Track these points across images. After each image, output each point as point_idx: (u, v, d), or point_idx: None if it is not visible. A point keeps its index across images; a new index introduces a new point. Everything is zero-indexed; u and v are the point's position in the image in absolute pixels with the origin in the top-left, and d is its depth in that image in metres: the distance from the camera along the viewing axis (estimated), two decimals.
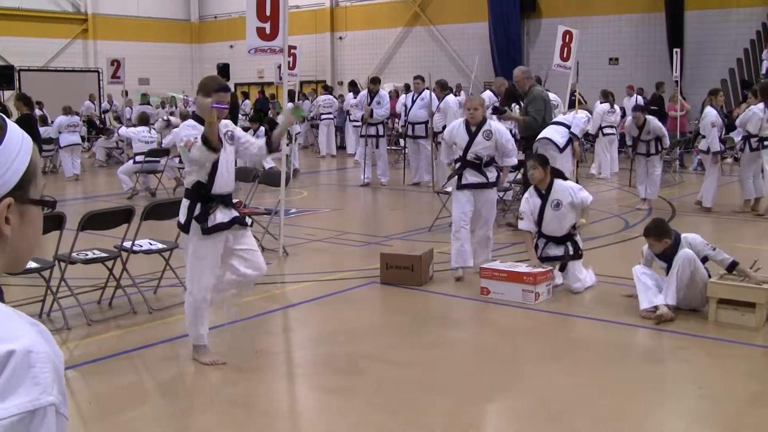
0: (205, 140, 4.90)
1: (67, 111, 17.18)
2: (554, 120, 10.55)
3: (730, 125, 14.34)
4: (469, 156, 7.54)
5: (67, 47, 30.99)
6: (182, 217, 5.25)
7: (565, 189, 7.20)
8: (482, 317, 6.62)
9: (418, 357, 5.57)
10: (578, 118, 10.89)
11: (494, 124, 7.90)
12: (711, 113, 11.61)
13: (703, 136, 11.84)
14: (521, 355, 5.69)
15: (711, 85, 15.88)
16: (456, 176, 7.61)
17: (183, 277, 6.63)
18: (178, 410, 4.70)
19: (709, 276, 6.30)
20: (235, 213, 5.35)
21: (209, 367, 5.24)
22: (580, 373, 5.24)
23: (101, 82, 28.14)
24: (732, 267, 6.22)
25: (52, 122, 17.47)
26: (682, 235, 6.43)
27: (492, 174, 7.63)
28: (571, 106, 11.51)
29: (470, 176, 7.56)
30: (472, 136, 7.55)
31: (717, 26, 22.15)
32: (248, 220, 5.68)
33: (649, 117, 12.12)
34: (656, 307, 6.18)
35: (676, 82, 17.91)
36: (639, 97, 19.36)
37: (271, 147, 5.52)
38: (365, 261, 8.31)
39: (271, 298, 7.00)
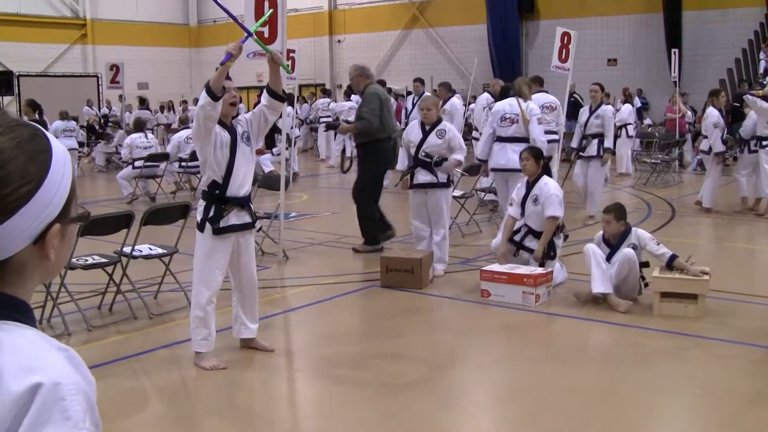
0: (209, 87, 4.95)
1: (64, 116, 17.21)
2: (504, 136, 8.83)
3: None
4: (420, 154, 7.72)
5: (66, 52, 31.04)
6: (198, 216, 5.32)
7: (547, 189, 7.27)
8: (483, 320, 6.61)
9: (418, 359, 5.57)
10: (536, 129, 8.73)
11: (449, 125, 7.99)
12: (713, 114, 11.59)
13: (705, 137, 11.85)
14: (522, 356, 5.68)
15: (709, 86, 15.88)
16: (408, 175, 7.84)
17: (183, 282, 6.65)
18: (179, 415, 4.69)
19: (642, 275, 6.68)
20: (248, 218, 5.39)
21: (210, 372, 5.23)
22: (580, 374, 5.24)
23: (100, 87, 28.14)
24: (671, 261, 6.49)
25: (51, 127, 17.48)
26: (633, 228, 6.78)
27: (443, 175, 7.75)
28: (571, 107, 11.41)
29: (421, 176, 7.77)
30: (425, 135, 7.76)
31: (715, 27, 22.19)
32: (258, 224, 5.72)
33: (605, 106, 11.20)
34: (605, 294, 6.52)
35: (675, 82, 17.91)
36: (637, 99, 19.41)
37: (274, 95, 5.40)
38: (365, 264, 8.31)
39: (271, 302, 6.99)
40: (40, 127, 1.24)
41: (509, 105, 8.90)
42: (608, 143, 10.89)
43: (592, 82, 11.55)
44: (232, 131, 5.29)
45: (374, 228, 9.07)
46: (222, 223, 5.24)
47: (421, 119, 7.91)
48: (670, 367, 5.32)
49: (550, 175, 7.61)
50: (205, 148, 5.19)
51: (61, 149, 1.22)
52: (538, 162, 7.39)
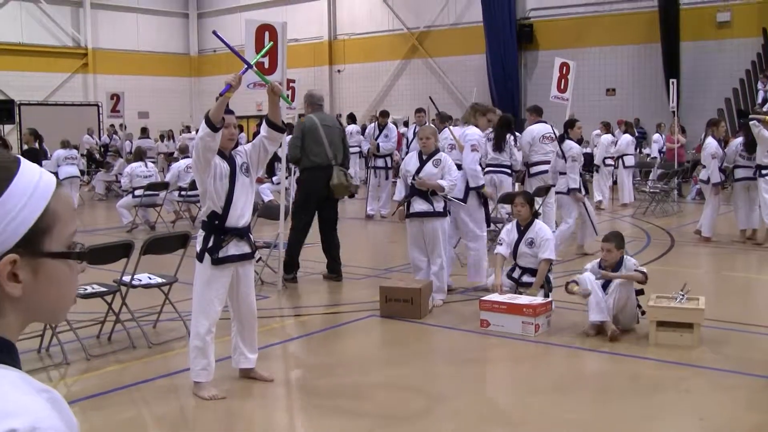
0: (207, 117, 4.97)
1: (65, 144, 17.29)
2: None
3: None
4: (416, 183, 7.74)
5: (67, 81, 31.16)
6: (197, 246, 5.32)
7: (543, 233, 7.40)
8: (482, 350, 6.60)
9: (417, 389, 5.56)
10: (468, 156, 8.42)
11: (445, 155, 8.02)
12: (711, 144, 11.64)
13: (704, 166, 11.90)
14: (522, 387, 5.67)
15: (708, 115, 15.96)
16: (405, 204, 7.85)
17: (183, 311, 6.64)
18: None
19: (638, 303, 6.67)
20: (248, 249, 5.40)
21: (209, 402, 5.21)
22: (581, 404, 5.22)
23: (101, 115, 28.25)
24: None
25: (52, 156, 17.56)
26: (624, 257, 6.86)
27: (439, 204, 7.75)
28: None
29: (417, 205, 7.77)
30: (422, 164, 7.81)
31: (713, 56, 22.32)
32: (257, 255, 5.72)
33: (569, 142, 10.52)
34: (603, 323, 6.53)
35: (673, 112, 17.99)
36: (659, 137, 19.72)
37: (273, 125, 5.44)
38: (365, 294, 8.30)
39: (270, 332, 6.98)
40: (24, 159, 1.20)
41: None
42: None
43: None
44: (231, 162, 5.31)
45: (294, 256, 8.90)
46: (221, 254, 5.25)
47: (420, 149, 7.96)
48: (670, 397, 5.30)
49: (537, 217, 7.72)
50: (204, 178, 5.22)
51: (34, 177, 1.18)
52: (531, 208, 7.57)
